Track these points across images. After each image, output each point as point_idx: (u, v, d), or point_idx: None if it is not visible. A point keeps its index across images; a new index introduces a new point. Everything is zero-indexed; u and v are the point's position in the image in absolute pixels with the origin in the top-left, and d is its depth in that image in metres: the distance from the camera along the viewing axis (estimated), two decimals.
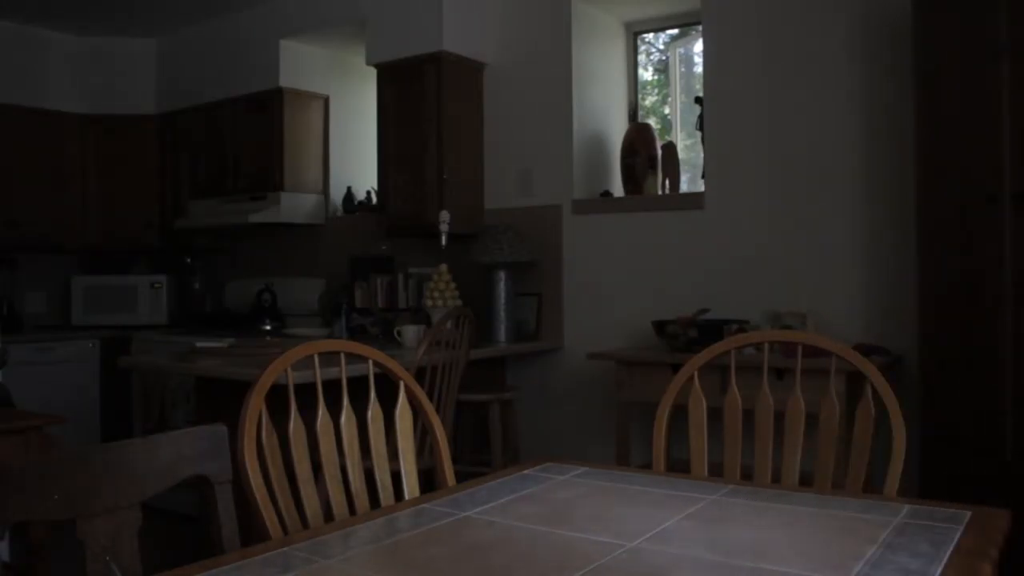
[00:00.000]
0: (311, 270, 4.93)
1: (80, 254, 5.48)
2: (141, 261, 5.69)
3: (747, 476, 1.75)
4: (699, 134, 3.71)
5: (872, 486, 1.66)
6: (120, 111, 5.35)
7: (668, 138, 4.05)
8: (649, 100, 4.30)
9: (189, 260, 5.51)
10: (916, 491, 2.54)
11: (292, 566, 1.15)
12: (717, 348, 1.85)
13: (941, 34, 2.58)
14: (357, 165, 4.93)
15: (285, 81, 4.68)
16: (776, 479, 1.72)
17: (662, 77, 4.27)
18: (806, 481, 1.70)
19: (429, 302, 3.78)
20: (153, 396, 4.68)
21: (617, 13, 4.12)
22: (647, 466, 1.84)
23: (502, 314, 3.85)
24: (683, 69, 4.13)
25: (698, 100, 3.67)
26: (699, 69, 3.87)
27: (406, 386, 1.73)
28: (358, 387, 1.64)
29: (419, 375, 2.84)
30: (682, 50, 4.14)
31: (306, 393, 1.57)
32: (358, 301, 4.46)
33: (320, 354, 1.61)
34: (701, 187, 3.63)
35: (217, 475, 1.33)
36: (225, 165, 4.94)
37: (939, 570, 1.08)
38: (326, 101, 4.87)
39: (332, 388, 1.59)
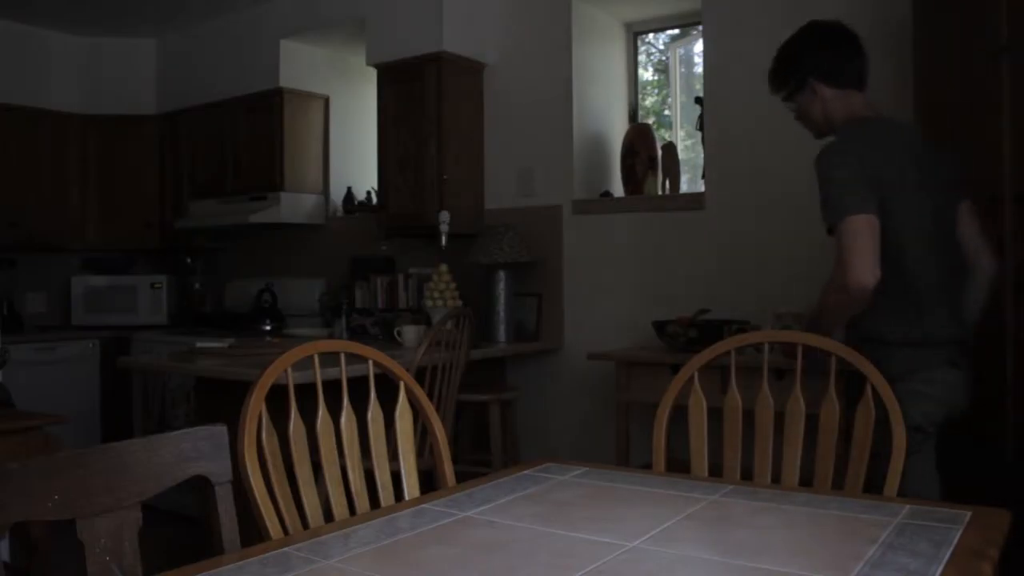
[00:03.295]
0: (311, 270, 4.93)
1: (80, 254, 5.48)
2: (141, 261, 5.69)
3: (747, 476, 1.75)
4: (699, 134, 3.71)
5: (872, 486, 1.65)
6: (120, 111, 5.35)
7: (668, 138, 4.05)
8: (649, 100, 4.31)
9: (189, 260, 5.52)
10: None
11: (292, 566, 1.15)
12: (717, 348, 1.85)
13: (941, 34, 2.58)
14: (357, 165, 4.93)
15: (285, 81, 4.68)
16: (776, 479, 1.72)
17: (662, 77, 4.27)
18: (806, 481, 1.70)
19: (429, 302, 3.78)
20: (153, 396, 4.68)
21: (617, 13, 4.12)
22: (647, 466, 1.84)
23: (502, 314, 3.85)
24: (683, 69, 4.13)
25: (698, 100, 3.67)
26: (699, 69, 3.87)
27: (406, 386, 1.73)
28: (358, 387, 1.64)
29: (419, 375, 2.84)
30: (682, 50, 4.14)
31: (306, 393, 1.57)
32: (358, 301, 4.46)
33: (320, 354, 1.61)
34: (701, 187, 3.63)
35: (217, 475, 1.33)
36: (225, 165, 4.94)
37: (939, 570, 1.08)
38: (326, 101, 4.87)
39: (332, 388, 1.59)
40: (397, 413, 1.71)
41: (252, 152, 4.79)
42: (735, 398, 1.80)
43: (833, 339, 1.86)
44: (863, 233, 1.90)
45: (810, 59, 2.18)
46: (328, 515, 1.53)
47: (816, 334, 1.91)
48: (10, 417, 2.45)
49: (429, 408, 1.75)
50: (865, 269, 1.88)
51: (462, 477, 1.71)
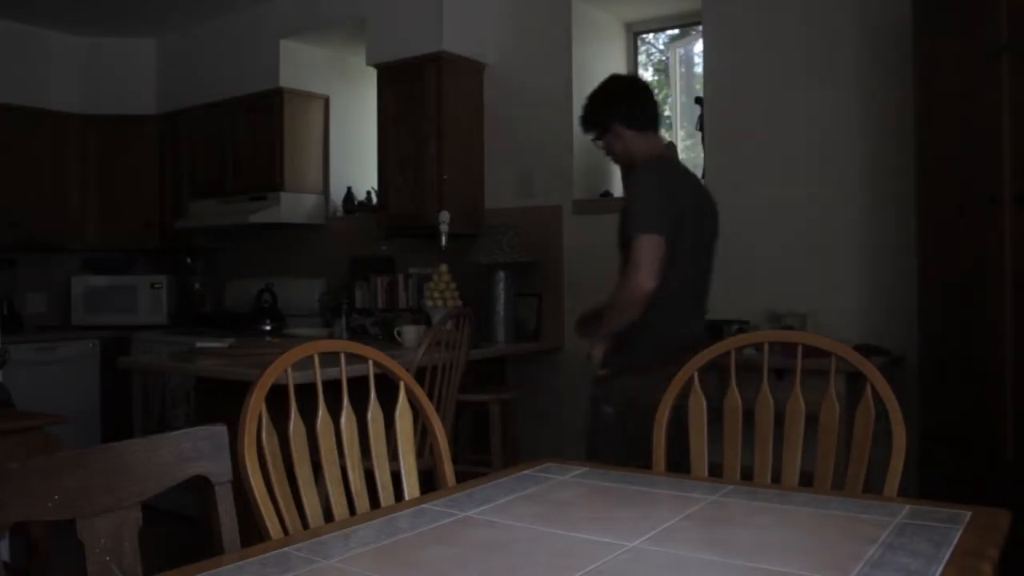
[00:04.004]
0: (311, 270, 4.93)
1: (80, 254, 5.48)
2: (141, 261, 5.69)
3: (747, 476, 1.74)
4: (699, 134, 3.71)
5: (872, 486, 1.65)
6: (120, 111, 5.35)
7: (668, 138, 4.05)
8: None
9: (189, 260, 5.52)
10: (916, 491, 2.54)
11: (292, 566, 1.15)
12: (717, 348, 1.85)
13: (941, 34, 2.58)
14: (357, 165, 4.93)
15: (285, 81, 4.68)
16: (776, 479, 1.72)
17: (662, 77, 4.27)
18: (806, 481, 1.70)
19: (429, 302, 3.78)
20: (153, 396, 4.68)
21: (617, 13, 4.12)
22: (647, 466, 1.84)
23: (502, 314, 3.84)
24: (683, 69, 4.13)
25: (698, 100, 3.67)
26: (699, 69, 3.87)
27: (406, 386, 1.73)
28: (358, 387, 1.64)
29: (419, 375, 2.84)
30: (682, 50, 4.14)
31: (306, 393, 1.57)
32: (358, 301, 4.46)
33: (320, 354, 1.61)
34: None
35: (217, 475, 1.33)
36: (225, 165, 4.94)
37: (939, 570, 1.08)
38: (326, 101, 4.87)
39: (332, 388, 1.59)
40: (397, 413, 1.71)
41: (252, 152, 4.79)
42: (735, 398, 1.80)
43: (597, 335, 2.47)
44: (655, 248, 2.34)
45: (612, 107, 2.60)
46: (328, 515, 1.53)
47: (590, 326, 2.53)
48: (10, 417, 2.45)
49: (429, 408, 1.75)
50: (649, 276, 2.33)
51: (462, 477, 1.71)
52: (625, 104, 2.60)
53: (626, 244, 2.42)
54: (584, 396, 2.62)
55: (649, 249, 2.34)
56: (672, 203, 2.42)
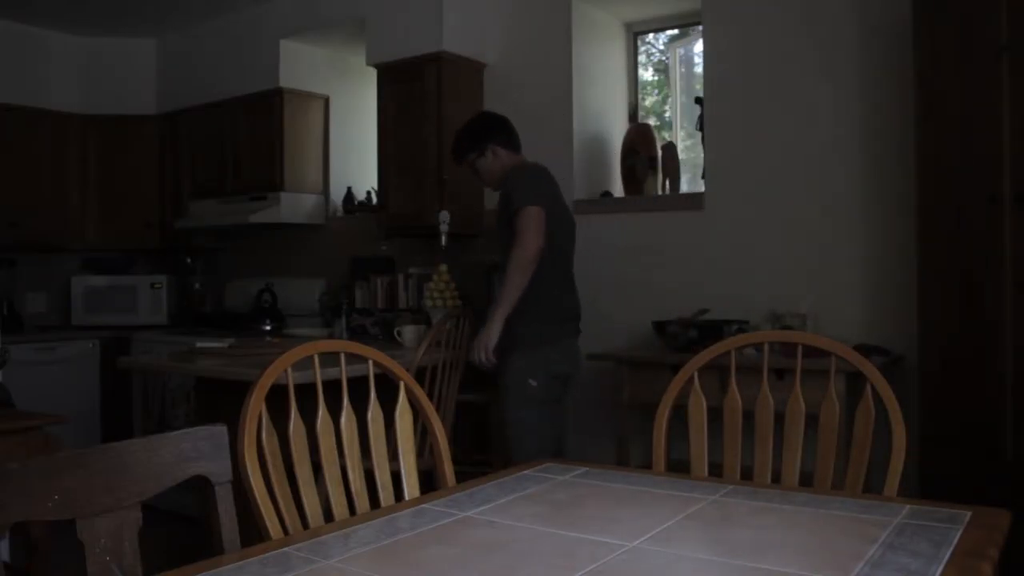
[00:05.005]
0: (311, 270, 4.93)
1: (80, 254, 5.48)
2: (141, 261, 5.69)
3: (747, 476, 1.75)
4: (699, 134, 3.71)
5: (872, 486, 1.66)
6: (120, 111, 5.35)
7: (668, 138, 4.05)
8: (649, 100, 4.30)
9: (189, 260, 5.52)
10: (916, 491, 2.54)
11: (292, 566, 1.15)
12: (717, 348, 1.85)
13: (941, 34, 2.58)
14: (357, 165, 4.93)
15: (285, 81, 4.67)
16: (776, 479, 1.72)
17: (662, 77, 4.27)
18: (806, 481, 1.70)
19: (429, 302, 3.78)
20: (153, 396, 4.68)
21: (617, 13, 4.12)
22: (647, 466, 1.84)
23: None
24: (683, 69, 4.13)
25: (698, 100, 3.67)
26: (699, 69, 3.87)
27: (406, 386, 1.73)
28: (358, 387, 1.64)
29: (419, 375, 2.84)
30: (682, 50, 4.14)
31: (306, 393, 1.57)
32: (358, 301, 4.46)
33: (320, 354, 1.61)
34: (701, 187, 3.63)
35: (217, 475, 1.33)
36: (225, 165, 4.94)
37: (939, 570, 1.08)
38: (326, 101, 4.87)
39: (332, 388, 1.59)
40: (397, 413, 1.71)
41: (252, 152, 4.79)
42: (735, 398, 1.80)
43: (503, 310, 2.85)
44: (538, 217, 2.79)
45: (490, 131, 3.10)
46: (328, 515, 1.53)
47: (503, 299, 2.84)
48: (10, 417, 2.45)
49: (429, 408, 1.75)
50: (537, 237, 2.78)
51: (462, 477, 1.71)
52: (500, 128, 3.11)
53: (507, 225, 2.85)
54: (514, 369, 2.90)
55: (532, 217, 2.78)
56: (553, 203, 2.88)
